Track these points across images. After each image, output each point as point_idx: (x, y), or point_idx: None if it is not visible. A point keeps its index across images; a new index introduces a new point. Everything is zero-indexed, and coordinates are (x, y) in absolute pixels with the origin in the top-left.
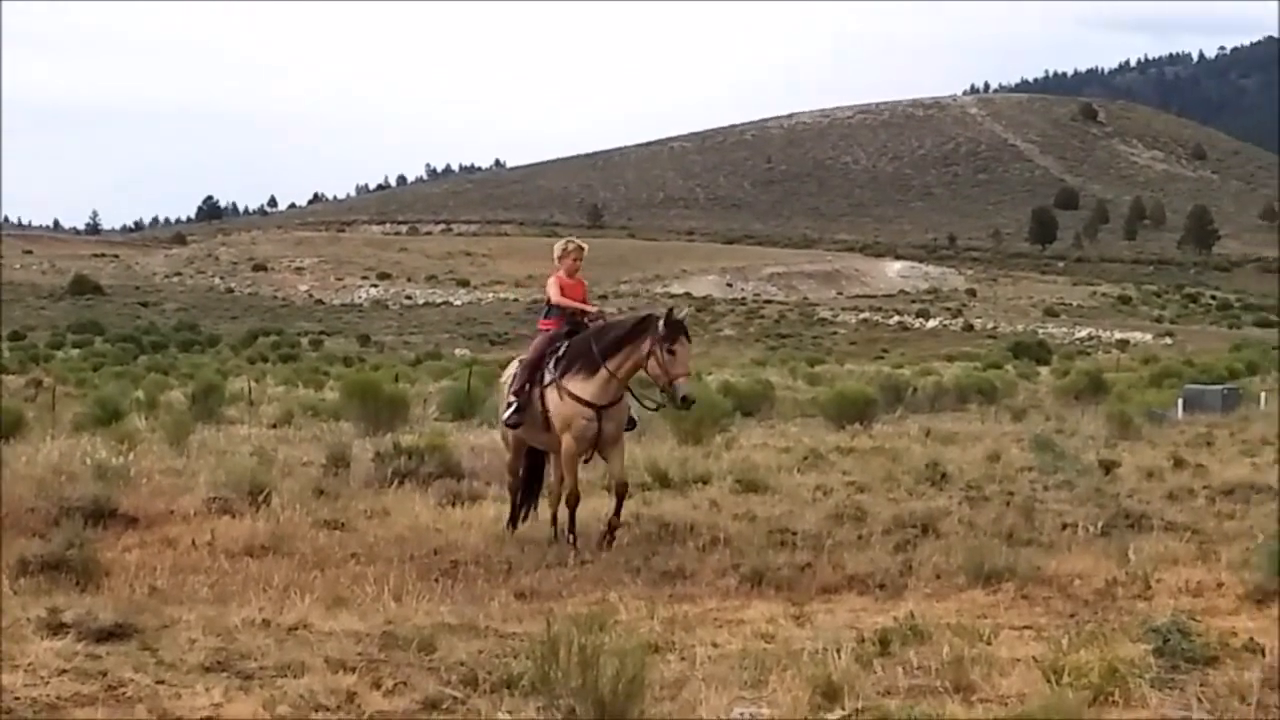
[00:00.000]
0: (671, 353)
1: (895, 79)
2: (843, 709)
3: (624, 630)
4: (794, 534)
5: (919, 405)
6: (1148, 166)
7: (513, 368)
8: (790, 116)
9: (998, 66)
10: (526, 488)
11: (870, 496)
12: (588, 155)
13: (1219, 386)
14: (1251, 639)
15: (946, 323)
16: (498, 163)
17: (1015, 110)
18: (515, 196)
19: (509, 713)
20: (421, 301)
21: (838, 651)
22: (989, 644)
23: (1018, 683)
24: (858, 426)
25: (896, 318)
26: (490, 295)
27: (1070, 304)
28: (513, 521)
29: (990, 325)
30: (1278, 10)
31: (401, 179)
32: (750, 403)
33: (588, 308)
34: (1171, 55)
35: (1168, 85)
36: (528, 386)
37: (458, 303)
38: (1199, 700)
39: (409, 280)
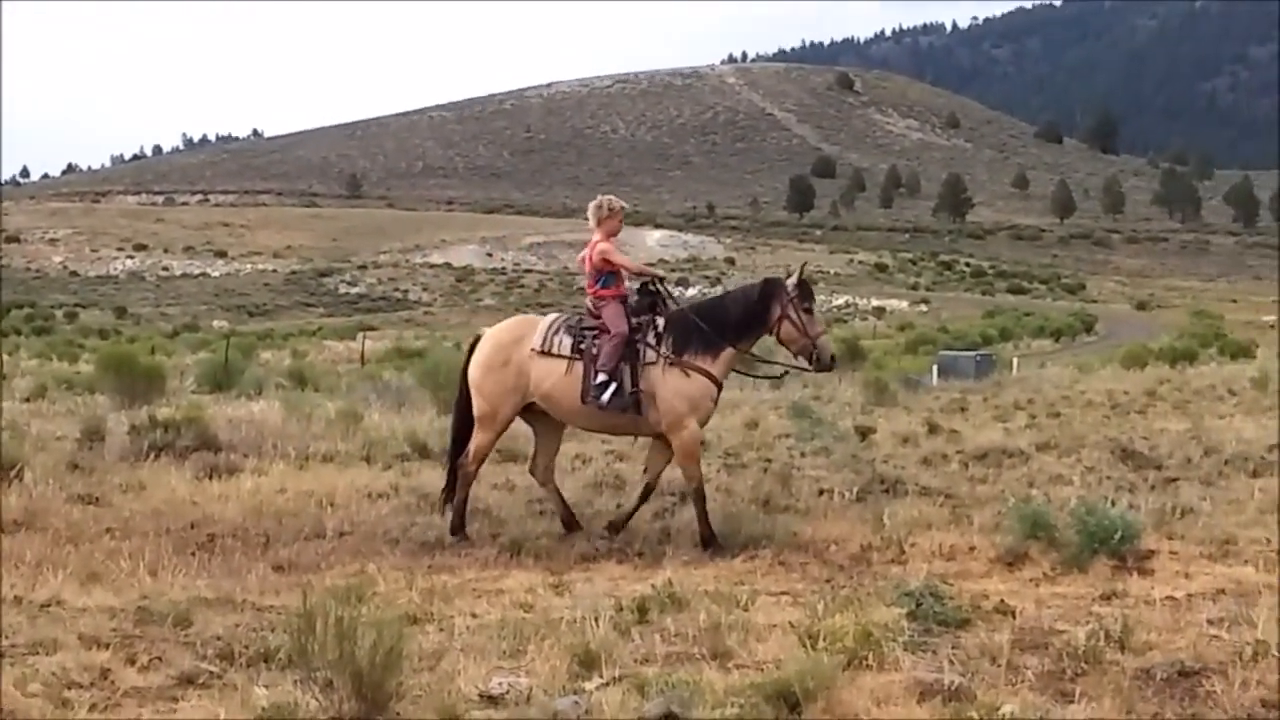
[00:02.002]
0: (808, 311)
1: (654, 48)
2: (601, 677)
3: (382, 602)
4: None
5: None
6: (903, 135)
7: (498, 334)
8: (549, 85)
9: (755, 36)
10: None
11: (629, 465)
12: (346, 125)
13: (972, 353)
14: (1003, 601)
15: (706, 291)
16: (255, 132)
17: (773, 80)
18: (273, 166)
19: (266, 686)
20: (179, 273)
21: (596, 620)
22: (746, 610)
23: (774, 648)
24: None
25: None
26: (249, 266)
27: (828, 272)
28: (451, 493)
29: None
30: None
31: (157, 149)
32: None
33: (657, 271)
34: (926, 25)
35: (922, 55)
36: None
37: (215, 274)
38: (951, 662)
39: (166, 251)
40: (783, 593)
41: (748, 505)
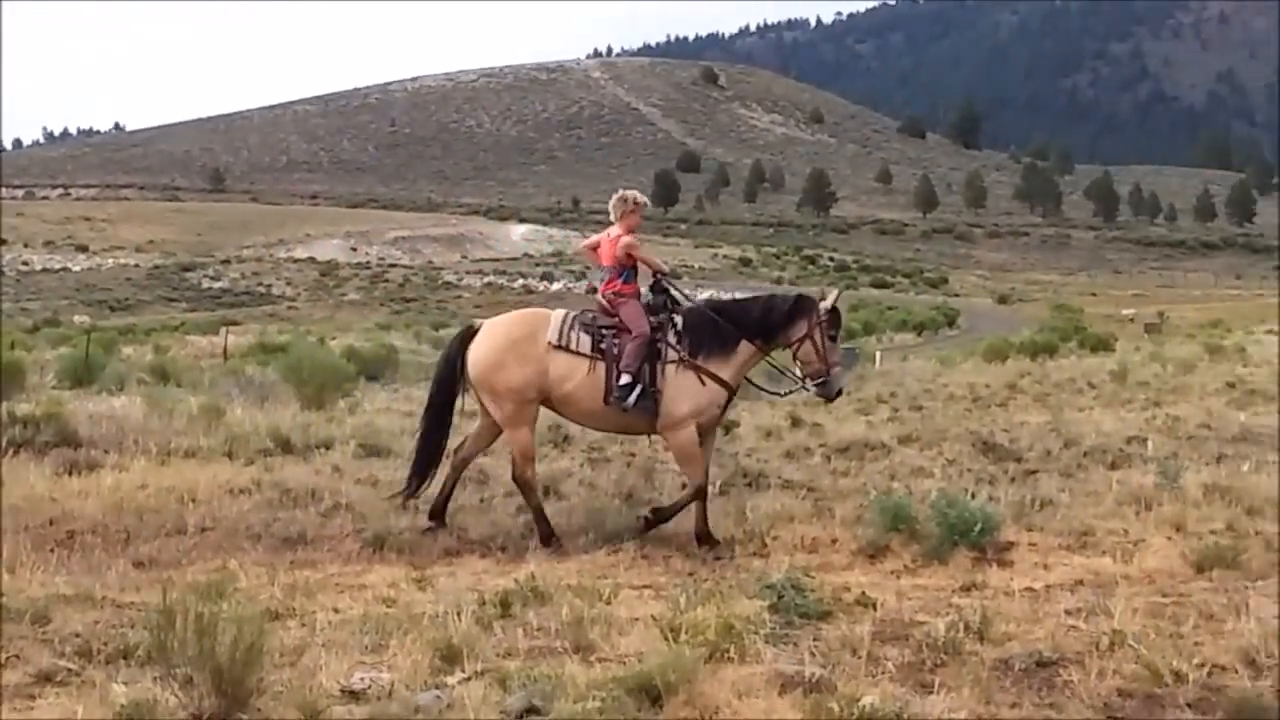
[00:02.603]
0: (832, 339)
1: (519, 43)
2: (463, 671)
3: (243, 598)
4: (416, 498)
5: None
6: (767, 130)
7: (509, 328)
8: (414, 79)
9: (621, 31)
10: (434, 458)
11: (493, 459)
12: (210, 119)
13: None
14: (864, 593)
15: (571, 285)
16: (117, 126)
17: (638, 74)
18: (136, 160)
19: (125, 683)
20: (39, 268)
21: (458, 614)
22: (609, 604)
23: (636, 641)
24: None
25: (521, 281)
26: (110, 261)
27: (693, 266)
28: (414, 491)
29: None
30: None
31: (17, 142)
32: (374, 367)
33: (663, 266)
34: (790, 20)
35: (787, 50)
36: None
37: (76, 269)
38: (812, 654)
39: (25, 246)
40: (645, 586)
41: (611, 499)
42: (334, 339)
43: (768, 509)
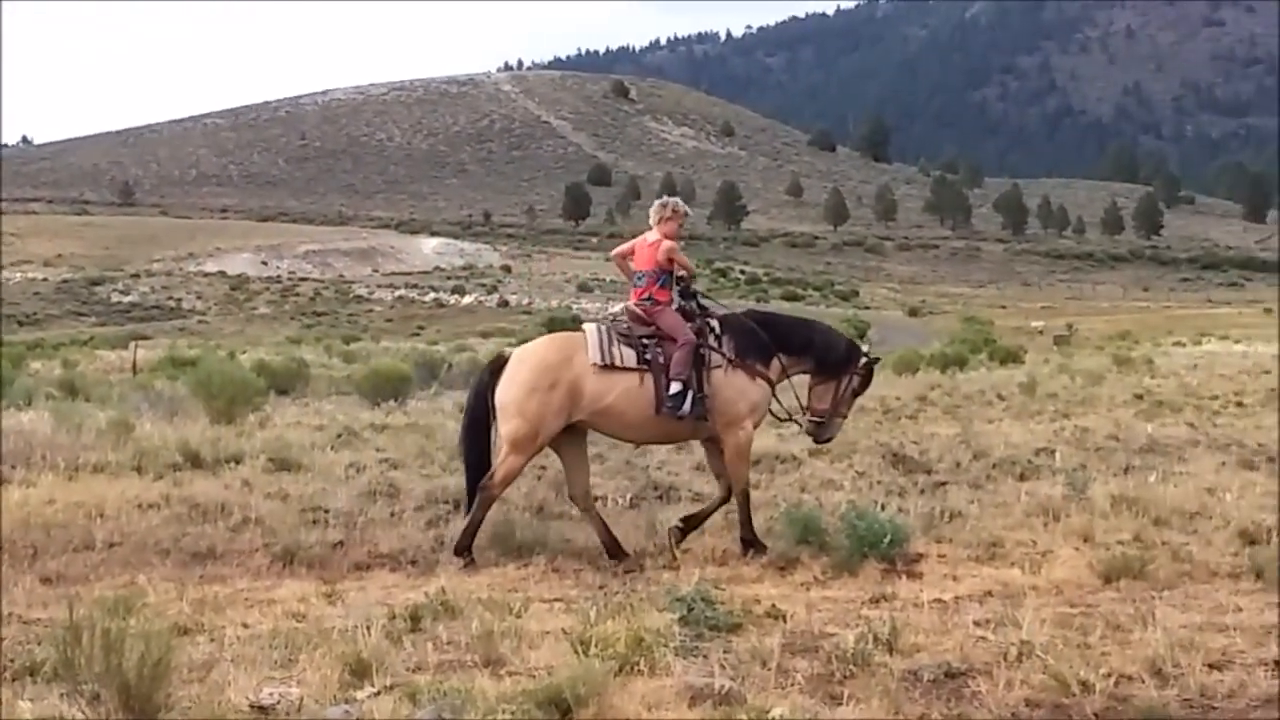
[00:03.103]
0: (855, 393)
1: (429, 55)
2: (372, 686)
3: (152, 613)
4: (326, 512)
5: (454, 381)
6: (678, 143)
7: (542, 352)
8: (324, 93)
9: (531, 44)
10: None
11: (404, 473)
12: (118, 132)
13: None
14: (774, 605)
15: (482, 299)
16: (24, 139)
17: (548, 88)
18: (44, 174)
19: (31, 700)
20: None
21: (368, 629)
22: (519, 617)
23: (547, 655)
24: (392, 403)
25: (432, 294)
26: (18, 275)
27: (604, 279)
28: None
29: (525, 301)
30: None
31: None
32: (285, 381)
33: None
34: (701, 34)
35: (697, 63)
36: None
37: None
38: (722, 666)
39: None
40: (556, 599)
41: (522, 513)
42: (244, 353)
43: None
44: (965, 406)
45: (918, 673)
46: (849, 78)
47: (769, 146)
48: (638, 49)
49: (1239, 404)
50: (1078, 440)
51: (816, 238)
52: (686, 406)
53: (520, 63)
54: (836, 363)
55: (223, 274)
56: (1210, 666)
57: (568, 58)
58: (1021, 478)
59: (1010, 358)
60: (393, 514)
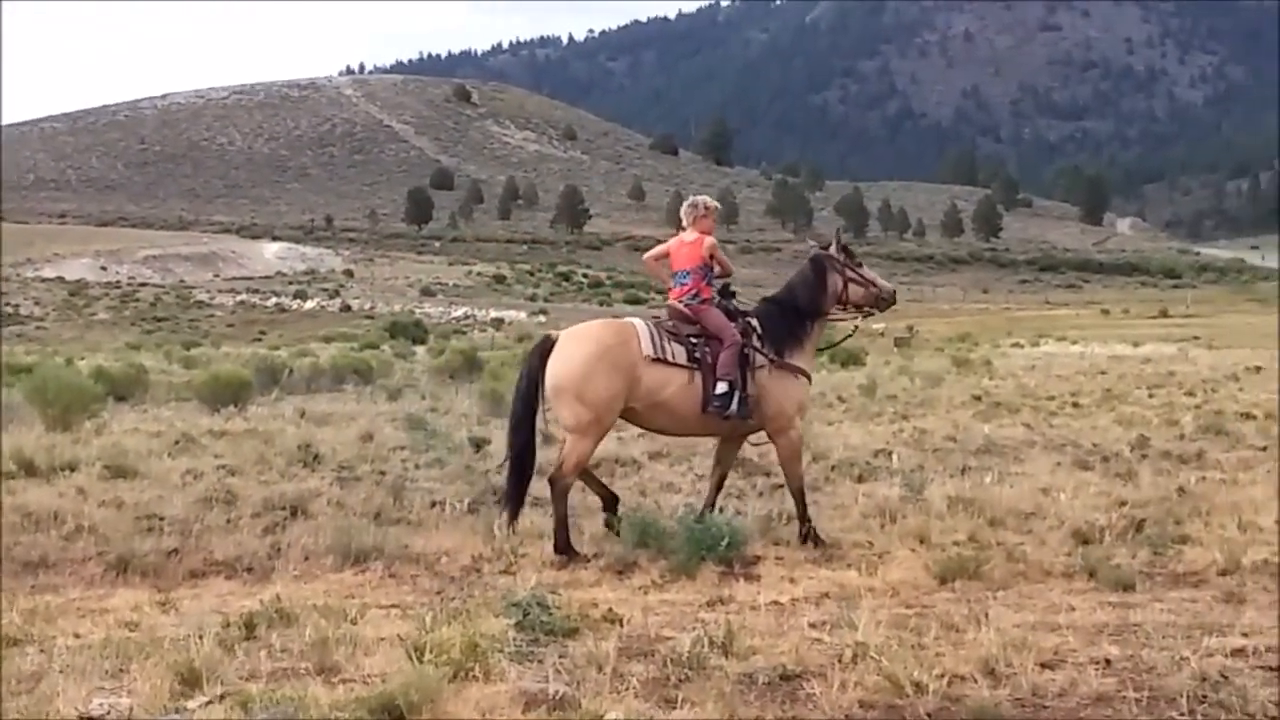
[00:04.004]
0: (860, 264)
1: (271, 59)
2: (204, 695)
3: None
4: (162, 519)
5: (295, 386)
6: (520, 147)
7: (582, 347)
8: (164, 97)
9: (373, 48)
10: (527, 476)
11: (241, 479)
12: None
13: None
14: (611, 609)
15: (324, 304)
16: None
17: (390, 92)
18: None
19: None
20: None
21: (201, 637)
22: (355, 624)
23: (381, 661)
24: (232, 409)
25: (274, 299)
26: None
27: (447, 284)
28: (515, 515)
29: (368, 306)
30: None
31: None
32: (123, 387)
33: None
34: (542, 38)
35: (539, 67)
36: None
37: None
38: (557, 671)
39: None
40: (393, 606)
41: (360, 518)
42: (82, 359)
43: (517, 526)
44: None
45: (753, 675)
46: (691, 81)
47: (611, 150)
48: (480, 53)
49: (1075, 404)
50: (916, 442)
51: (659, 240)
52: (734, 407)
53: (362, 66)
54: (827, 278)
55: (61, 279)
56: (1042, 666)
57: (410, 62)
58: (859, 479)
59: (851, 359)
60: (229, 521)
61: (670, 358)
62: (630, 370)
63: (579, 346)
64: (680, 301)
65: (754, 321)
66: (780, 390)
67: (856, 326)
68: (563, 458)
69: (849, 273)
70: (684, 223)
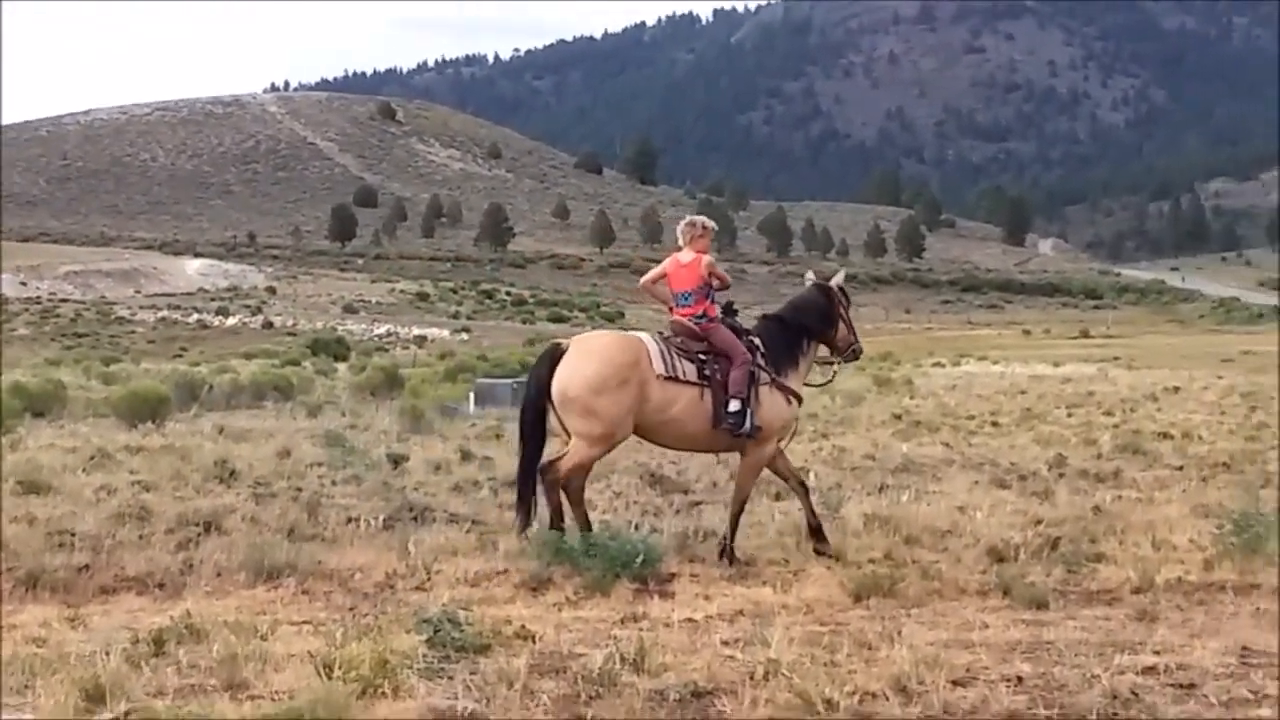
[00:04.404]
0: (848, 311)
1: (194, 76)
2: (109, 711)
3: None
4: (74, 535)
5: (215, 403)
6: (445, 165)
7: (594, 368)
8: (87, 112)
9: (298, 65)
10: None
11: (156, 495)
12: None
13: (509, 380)
14: (523, 626)
15: (246, 320)
16: None
17: (315, 109)
18: None
19: None
20: None
21: (108, 653)
22: (266, 640)
23: (291, 678)
24: (150, 425)
25: (196, 315)
26: None
27: (370, 301)
28: (526, 524)
29: (290, 323)
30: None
31: None
32: (41, 403)
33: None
34: (468, 56)
35: (465, 86)
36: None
37: None
38: (467, 688)
39: None
40: (304, 622)
41: (274, 534)
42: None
43: (432, 543)
44: None
45: (664, 692)
46: (616, 101)
47: (536, 169)
48: (405, 71)
49: (994, 424)
50: (835, 460)
51: (583, 259)
52: (748, 425)
53: (286, 84)
54: (833, 309)
55: None
56: (954, 683)
57: (334, 79)
58: (777, 497)
59: None
60: (142, 537)
61: (681, 375)
62: (640, 387)
63: (588, 361)
64: (689, 319)
65: (756, 340)
66: (771, 407)
67: (835, 372)
68: (566, 456)
69: (843, 312)
70: (680, 242)
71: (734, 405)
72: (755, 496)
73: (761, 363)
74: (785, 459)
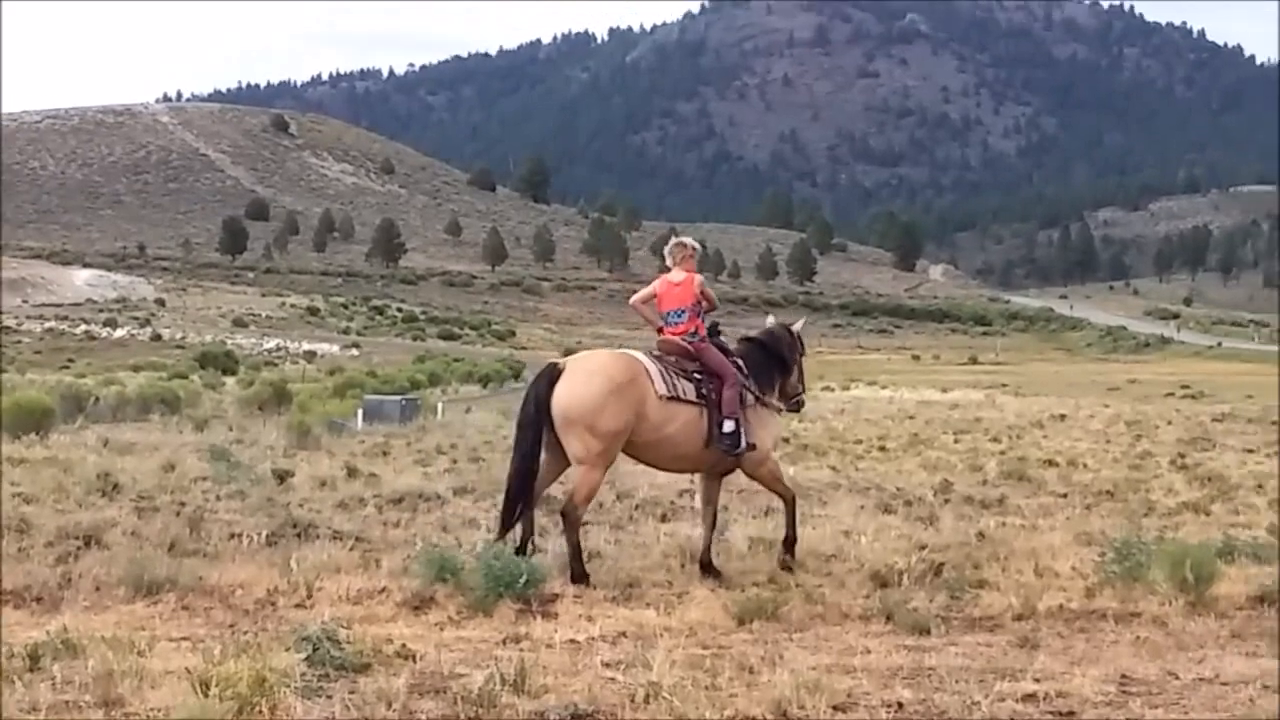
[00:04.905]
0: (802, 360)
1: (85, 84)
2: None
3: None
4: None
5: (101, 415)
6: (337, 179)
7: (600, 384)
8: None
9: (191, 76)
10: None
11: (36, 508)
12: None
13: (398, 397)
14: (405, 645)
15: (135, 332)
16: None
17: (207, 120)
18: None
19: None
20: None
21: None
22: (143, 656)
23: (167, 695)
24: (34, 437)
25: (84, 327)
26: None
27: (260, 315)
28: (506, 531)
29: (179, 335)
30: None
31: None
32: None
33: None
34: (363, 70)
35: (359, 100)
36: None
37: None
38: (346, 707)
39: None
40: (183, 638)
41: (155, 549)
42: None
43: (315, 560)
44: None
45: (544, 714)
46: (510, 118)
47: (429, 185)
48: (299, 84)
49: (882, 448)
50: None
51: (475, 277)
52: (743, 444)
53: (179, 94)
54: (794, 350)
55: None
56: (835, 708)
57: (228, 90)
58: (663, 519)
59: None
60: (20, 550)
61: (681, 394)
62: (639, 405)
63: (590, 380)
64: (682, 338)
65: (740, 361)
66: (761, 423)
67: (781, 411)
68: (574, 489)
69: (799, 358)
70: (669, 262)
71: (728, 426)
72: (641, 519)
73: (749, 383)
74: (718, 490)
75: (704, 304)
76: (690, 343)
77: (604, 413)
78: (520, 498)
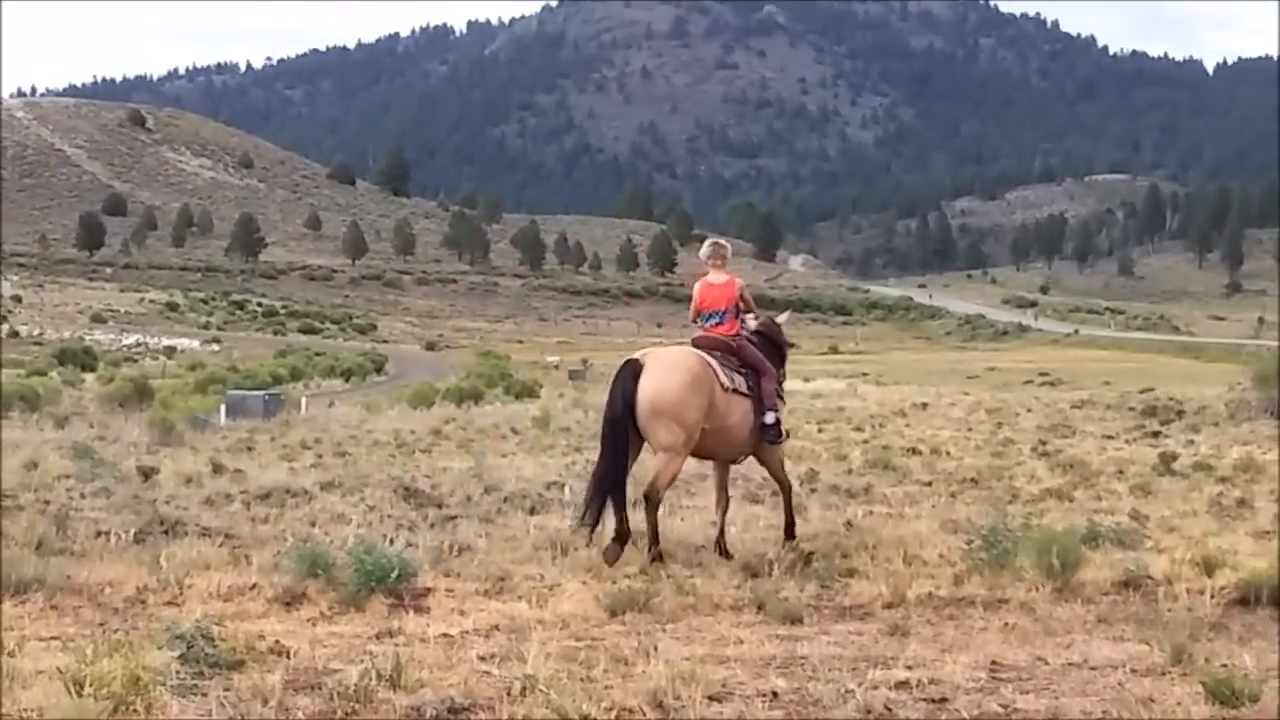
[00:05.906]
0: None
1: None
2: None
3: None
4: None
5: None
6: (196, 174)
7: (679, 377)
8: None
9: (46, 70)
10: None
11: None
12: None
13: (261, 392)
14: (278, 642)
15: None
16: None
17: (63, 115)
18: None
19: None
20: None
21: None
22: (13, 657)
23: (39, 695)
24: None
25: None
26: None
27: (118, 310)
28: (596, 523)
29: (37, 332)
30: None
31: None
32: None
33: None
34: (220, 64)
35: (216, 94)
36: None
37: None
38: (222, 705)
39: None
40: (53, 638)
41: (20, 548)
42: None
43: (184, 557)
44: (479, 440)
45: (421, 709)
46: (369, 111)
47: (288, 179)
48: (156, 78)
49: None
50: (588, 474)
51: (335, 271)
52: (783, 435)
53: (34, 89)
54: (784, 342)
55: None
56: (710, 698)
57: (83, 85)
58: (532, 511)
59: (526, 392)
60: None
61: (740, 388)
62: (712, 398)
63: (674, 372)
64: (726, 337)
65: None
66: (784, 413)
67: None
68: (657, 476)
69: (785, 352)
70: (706, 264)
71: (770, 417)
72: (510, 511)
73: (782, 374)
74: (728, 475)
75: (742, 305)
76: (736, 341)
77: (688, 404)
78: (614, 491)
